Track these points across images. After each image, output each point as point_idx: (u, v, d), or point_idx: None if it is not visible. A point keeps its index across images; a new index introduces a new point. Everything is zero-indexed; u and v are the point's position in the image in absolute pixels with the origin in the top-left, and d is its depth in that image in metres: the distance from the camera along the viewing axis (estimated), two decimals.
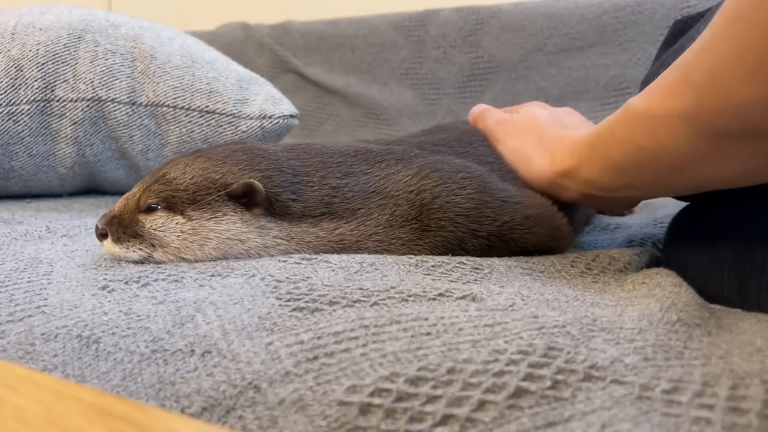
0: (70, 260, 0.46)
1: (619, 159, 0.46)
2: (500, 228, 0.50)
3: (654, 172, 0.44)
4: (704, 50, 0.37)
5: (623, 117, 0.45)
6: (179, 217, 0.46)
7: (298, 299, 0.36)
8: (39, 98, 0.84)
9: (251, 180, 0.46)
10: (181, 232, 0.46)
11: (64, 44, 0.87)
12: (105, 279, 0.41)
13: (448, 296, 0.37)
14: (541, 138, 0.57)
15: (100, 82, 0.86)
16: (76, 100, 0.85)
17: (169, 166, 0.48)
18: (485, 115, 0.64)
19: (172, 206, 0.46)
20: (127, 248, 0.46)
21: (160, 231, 0.46)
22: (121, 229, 0.46)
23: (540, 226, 0.52)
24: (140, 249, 0.46)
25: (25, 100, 0.84)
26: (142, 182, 0.48)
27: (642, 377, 0.27)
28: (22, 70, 0.84)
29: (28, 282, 0.41)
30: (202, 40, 1.03)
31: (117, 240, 0.46)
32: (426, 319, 0.33)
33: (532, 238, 0.52)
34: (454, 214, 0.49)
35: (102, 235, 0.47)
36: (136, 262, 0.46)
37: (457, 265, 0.45)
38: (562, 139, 0.55)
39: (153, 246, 0.46)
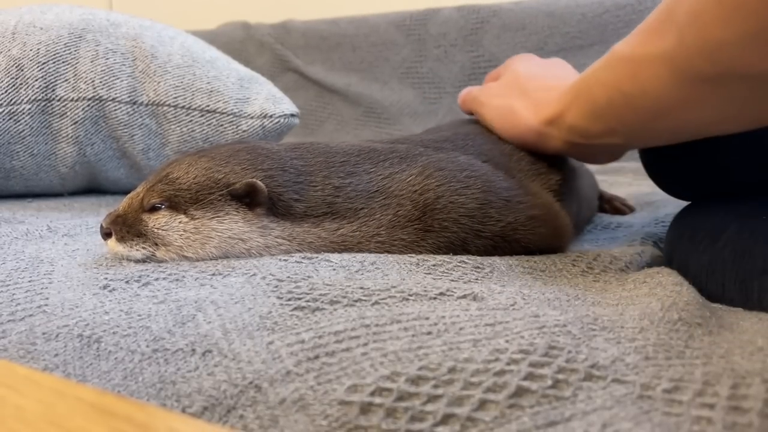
0: (71, 259, 0.46)
1: (602, 104, 0.47)
2: (504, 228, 0.50)
3: (635, 117, 0.45)
4: None
5: (607, 62, 0.45)
6: (182, 216, 0.46)
7: (299, 298, 0.36)
8: (40, 98, 0.84)
9: (254, 180, 0.46)
10: (184, 231, 0.46)
11: (65, 43, 0.87)
12: (106, 278, 0.41)
13: (449, 295, 0.37)
14: (525, 91, 0.57)
15: (100, 82, 0.86)
16: (76, 100, 0.85)
17: (172, 165, 0.48)
18: (471, 93, 0.64)
19: (175, 205, 0.46)
20: (131, 247, 0.46)
21: (163, 230, 0.46)
22: (125, 228, 0.47)
23: (543, 226, 0.52)
24: (143, 248, 0.46)
25: (26, 100, 0.84)
26: (146, 182, 0.48)
27: (643, 376, 0.27)
28: (22, 70, 0.84)
29: (30, 281, 0.42)
30: (202, 39, 1.03)
31: (121, 239, 0.47)
32: (427, 319, 0.33)
33: (535, 238, 0.51)
34: (458, 214, 0.49)
35: (106, 234, 0.47)
36: (138, 261, 0.46)
37: (458, 264, 0.45)
38: (548, 89, 0.55)
39: (156, 245, 0.46)
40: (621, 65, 0.43)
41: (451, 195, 0.49)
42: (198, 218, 0.46)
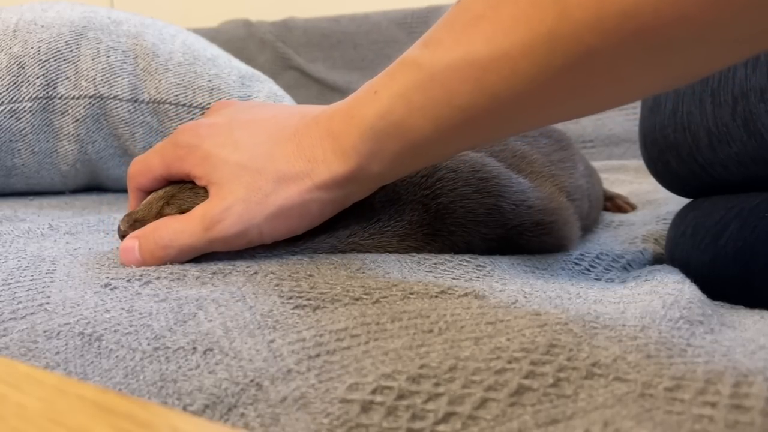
0: (72, 258, 0.46)
1: (428, 133, 0.37)
2: (509, 232, 0.49)
3: (478, 130, 0.37)
4: None
5: (416, 82, 0.36)
6: None
7: (300, 297, 0.36)
8: (41, 95, 0.84)
9: None
10: None
11: (66, 41, 0.87)
12: (107, 277, 0.41)
13: (450, 293, 0.37)
14: (259, 168, 0.41)
15: (102, 80, 0.86)
16: (78, 98, 0.85)
17: None
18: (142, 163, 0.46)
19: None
20: None
21: None
22: None
23: (549, 235, 0.51)
24: None
25: (27, 98, 0.84)
26: (171, 188, 0.46)
27: (644, 375, 0.27)
28: (24, 68, 0.84)
29: (31, 280, 0.42)
30: (204, 37, 1.03)
31: None
32: (428, 317, 0.33)
33: (539, 244, 0.50)
34: (466, 219, 0.48)
35: (124, 236, 0.47)
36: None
37: (460, 262, 0.45)
38: (306, 137, 0.41)
39: None
40: (448, 78, 0.35)
41: (463, 200, 0.48)
42: None
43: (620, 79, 0.32)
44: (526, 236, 0.50)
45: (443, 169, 0.48)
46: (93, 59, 0.87)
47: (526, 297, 0.37)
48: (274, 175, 0.41)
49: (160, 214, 0.45)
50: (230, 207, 0.41)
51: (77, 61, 0.86)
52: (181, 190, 0.45)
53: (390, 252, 0.47)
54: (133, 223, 0.46)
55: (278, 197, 0.41)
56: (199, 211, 0.42)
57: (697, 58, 0.31)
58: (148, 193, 0.47)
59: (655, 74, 0.32)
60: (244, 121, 0.44)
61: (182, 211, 0.45)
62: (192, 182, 0.45)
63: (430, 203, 0.47)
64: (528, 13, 0.32)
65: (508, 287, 0.39)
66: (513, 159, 0.53)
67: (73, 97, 0.85)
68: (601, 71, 0.32)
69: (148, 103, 0.87)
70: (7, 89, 0.83)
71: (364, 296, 0.36)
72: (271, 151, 0.41)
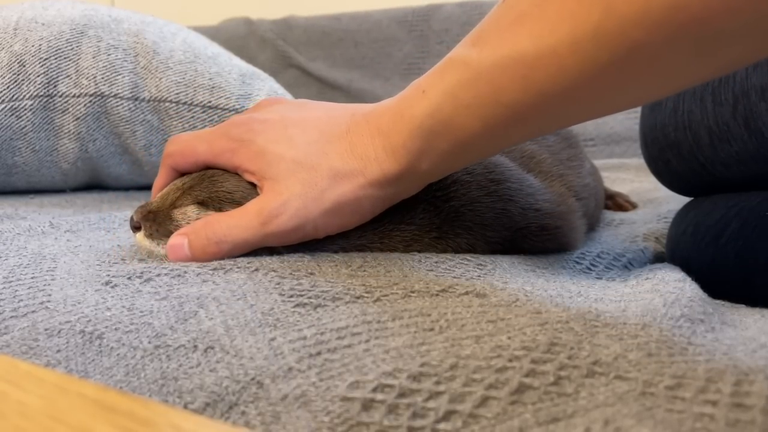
0: (73, 256, 0.46)
1: (476, 130, 0.38)
2: (514, 234, 0.48)
3: (530, 125, 0.38)
4: None
5: (462, 80, 0.37)
6: (212, 212, 0.45)
7: (301, 295, 0.36)
8: (42, 94, 0.84)
9: None
10: None
11: (67, 39, 0.86)
12: (108, 274, 0.41)
13: (451, 292, 0.37)
14: (314, 164, 0.42)
15: (102, 78, 0.86)
16: (78, 96, 0.85)
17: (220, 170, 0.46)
18: (192, 145, 0.46)
19: (207, 203, 0.45)
20: (157, 245, 0.46)
21: None
22: (154, 226, 0.46)
23: (553, 240, 0.50)
24: None
25: (27, 96, 0.84)
26: (189, 178, 0.46)
27: (645, 373, 0.27)
28: (24, 66, 0.84)
29: (32, 278, 0.42)
30: (204, 35, 1.03)
31: (149, 236, 0.46)
32: (429, 315, 0.33)
33: (542, 247, 0.50)
34: (473, 223, 0.47)
35: (136, 228, 0.47)
36: (162, 258, 0.46)
37: (461, 261, 0.45)
38: (357, 135, 0.42)
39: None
40: (495, 76, 0.35)
41: (473, 203, 0.47)
42: None
43: (666, 72, 0.33)
44: (530, 240, 0.49)
45: (459, 171, 0.47)
46: (94, 57, 0.87)
47: (527, 295, 0.37)
48: (329, 172, 0.42)
49: (174, 206, 0.46)
50: (287, 202, 0.41)
51: (78, 59, 0.86)
52: (198, 182, 0.45)
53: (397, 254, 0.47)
54: (147, 214, 0.46)
55: (333, 193, 0.41)
56: (255, 206, 0.42)
57: (743, 49, 0.31)
58: (181, 174, 0.48)
59: (700, 66, 0.32)
60: (296, 119, 0.45)
61: (199, 203, 0.45)
62: (206, 173, 0.45)
63: (442, 206, 0.46)
64: (573, 10, 0.32)
65: (509, 286, 0.39)
66: (522, 159, 0.52)
67: (73, 95, 0.85)
68: (647, 65, 0.32)
69: (148, 101, 0.87)
70: (7, 87, 0.83)
71: (365, 294, 0.36)
72: (325, 148, 0.42)
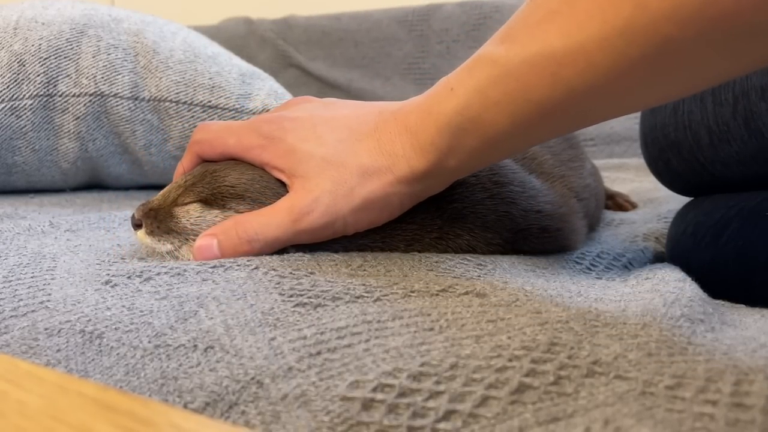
0: (73, 255, 0.46)
1: (505, 127, 0.38)
2: (515, 236, 0.48)
3: (559, 121, 0.38)
4: None
5: (491, 77, 0.37)
6: (216, 210, 0.45)
7: (301, 295, 0.36)
8: (41, 93, 0.84)
9: None
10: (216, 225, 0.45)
11: (67, 39, 0.86)
12: (108, 274, 0.41)
13: (451, 292, 0.37)
14: (344, 162, 0.43)
15: (102, 77, 0.86)
16: (78, 95, 0.85)
17: (220, 165, 0.46)
18: (221, 135, 0.47)
19: (210, 201, 0.45)
20: (158, 241, 0.46)
21: (194, 225, 0.45)
22: (155, 223, 0.46)
23: (554, 242, 0.50)
24: (171, 243, 0.45)
25: (27, 95, 0.84)
26: (191, 176, 0.46)
27: (645, 373, 0.27)
28: (24, 65, 0.84)
29: (32, 277, 0.42)
30: (204, 34, 1.03)
31: (150, 233, 0.46)
32: (429, 315, 0.33)
33: (543, 248, 0.50)
34: (474, 225, 0.47)
35: (137, 225, 0.47)
36: (164, 255, 0.46)
37: (461, 261, 0.45)
38: (385, 133, 0.43)
39: (186, 240, 0.45)
40: (524, 73, 0.35)
41: (476, 205, 0.47)
42: (240, 213, 0.45)
43: (696, 68, 0.33)
44: (531, 241, 0.49)
45: None
46: (93, 57, 0.86)
47: (527, 295, 0.37)
48: (358, 169, 0.42)
49: (176, 203, 0.46)
50: (318, 199, 0.42)
51: (78, 58, 0.86)
52: (200, 178, 0.46)
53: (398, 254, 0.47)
54: (148, 212, 0.46)
55: (363, 190, 0.42)
56: (286, 203, 0.43)
57: None
58: (205, 161, 0.48)
59: (731, 60, 0.32)
60: (325, 117, 0.45)
61: (200, 200, 0.45)
62: (207, 169, 0.45)
63: (444, 206, 0.46)
64: (603, 7, 0.32)
65: (509, 285, 0.39)
66: (524, 160, 0.52)
67: (73, 95, 0.85)
68: (677, 60, 0.32)
69: (148, 100, 0.87)
70: (7, 87, 0.83)
71: (365, 294, 0.36)
72: (354, 146, 0.43)
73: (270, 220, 0.43)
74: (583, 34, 0.33)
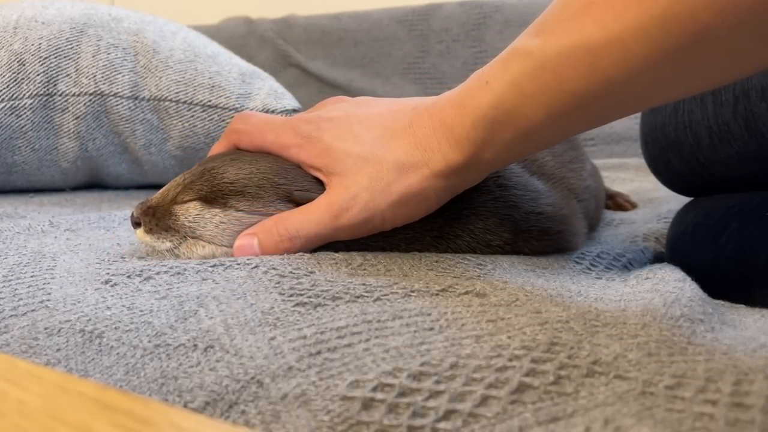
0: (73, 254, 0.46)
1: (540, 120, 0.38)
2: (515, 238, 0.48)
3: (595, 113, 0.38)
4: None
5: (525, 69, 0.37)
6: (216, 209, 0.45)
7: (301, 294, 0.36)
8: (41, 92, 0.84)
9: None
10: (220, 222, 0.45)
11: (67, 38, 0.86)
12: (108, 273, 0.41)
13: (451, 291, 0.37)
14: (380, 157, 0.43)
15: (102, 77, 0.86)
16: (78, 95, 0.85)
17: (218, 161, 0.47)
18: (260, 128, 0.48)
19: (210, 199, 0.45)
20: (157, 239, 0.46)
21: (193, 223, 0.45)
22: (154, 220, 0.46)
23: (554, 243, 0.50)
24: (170, 240, 0.45)
25: (27, 95, 0.84)
26: (189, 174, 0.47)
27: (645, 373, 0.27)
28: (24, 65, 0.84)
29: (32, 276, 0.42)
30: (204, 34, 1.03)
31: (149, 231, 0.46)
32: (429, 315, 0.33)
33: (543, 250, 0.49)
34: (474, 226, 0.47)
35: (136, 224, 0.47)
36: (164, 253, 0.46)
37: (461, 260, 0.45)
38: (420, 128, 0.43)
39: (185, 237, 0.45)
40: (560, 64, 0.35)
41: (477, 207, 0.47)
42: (241, 210, 0.45)
43: (732, 57, 0.32)
44: (532, 243, 0.49)
45: None
46: (93, 56, 0.86)
47: (527, 295, 0.37)
48: (394, 165, 0.43)
49: (175, 201, 0.46)
50: (356, 195, 0.43)
51: (78, 58, 0.86)
52: (198, 177, 0.46)
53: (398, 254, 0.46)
54: (146, 210, 0.46)
55: (400, 185, 0.43)
56: (324, 200, 0.44)
57: None
58: (238, 150, 0.49)
59: (766, 51, 0.32)
60: (360, 116, 0.46)
61: (200, 198, 0.45)
62: (206, 167, 0.46)
63: (446, 207, 0.46)
64: (629, 2, 0.32)
65: (509, 285, 0.39)
66: (525, 162, 0.52)
67: (73, 94, 0.85)
68: (714, 48, 0.32)
69: (148, 100, 0.87)
70: (7, 86, 0.83)
71: (365, 294, 0.36)
72: (389, 143, 0.44)
73: (310, 217, 0.43)
74: (619, 25, 0.33)
